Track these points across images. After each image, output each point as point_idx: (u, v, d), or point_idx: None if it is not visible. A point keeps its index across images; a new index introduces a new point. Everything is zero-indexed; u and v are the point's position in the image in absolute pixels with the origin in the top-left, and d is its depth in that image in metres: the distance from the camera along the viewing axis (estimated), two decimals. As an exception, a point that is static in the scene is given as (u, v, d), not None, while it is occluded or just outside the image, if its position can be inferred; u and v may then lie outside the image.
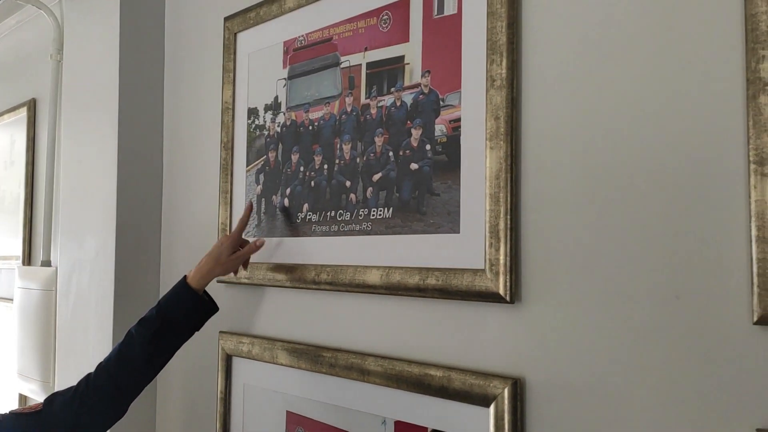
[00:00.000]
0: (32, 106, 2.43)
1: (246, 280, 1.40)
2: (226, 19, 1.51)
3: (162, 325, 1.21)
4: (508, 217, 0.95)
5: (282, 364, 1.30)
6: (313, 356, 1.24)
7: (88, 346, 1.73)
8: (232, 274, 1.38)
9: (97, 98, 1.76)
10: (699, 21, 0.80)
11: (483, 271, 0.97)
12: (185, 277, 1.27)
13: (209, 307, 1.29)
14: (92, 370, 1.21)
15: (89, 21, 1.83)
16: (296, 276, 1.28)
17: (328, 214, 1.24)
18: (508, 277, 0.94)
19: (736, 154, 0.76)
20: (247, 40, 1.46)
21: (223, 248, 1.27)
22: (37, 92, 2.44)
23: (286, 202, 1.34)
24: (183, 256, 1.66)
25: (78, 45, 1.89)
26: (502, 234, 0.95)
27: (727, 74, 0.77)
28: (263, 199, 1.39)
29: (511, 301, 0.94)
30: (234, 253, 1.29)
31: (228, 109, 1.49)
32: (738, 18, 0.77)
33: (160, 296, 1.72)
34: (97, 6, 1.79)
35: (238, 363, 1.43)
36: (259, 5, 1.41)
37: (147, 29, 1.74)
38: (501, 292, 0.95)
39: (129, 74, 1.70)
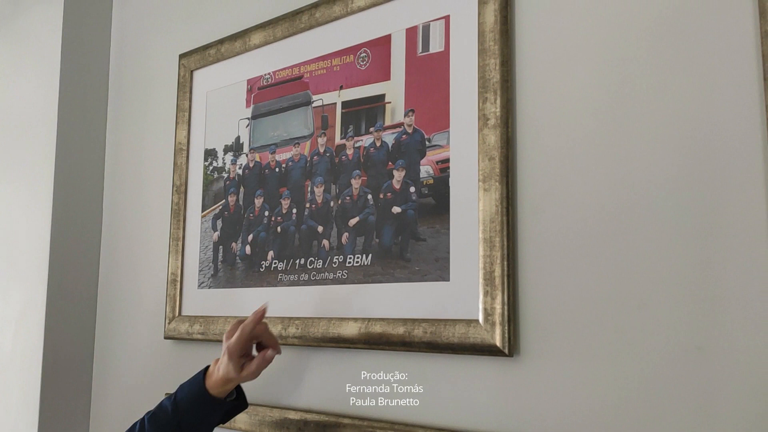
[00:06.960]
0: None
1: (198, 336, 1.27)
2: (182, 56, 1.42)
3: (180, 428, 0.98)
4: (506, 263, 0.89)
5: (240, 430, 1.17)
6: (278, 420, 1.12)
7: (8, 422, 1.52)
8: None
9: (29, 136, 1.61)
10: (709, 55, 0.78)
11: (477, 321, 0.90)
12: (205, 372, 1.01)
13: (238, 406, 1.05)
14: None
15: (20, 53, 1.69)
16: (259, 330, 1.17)
17: (297, 261, 1.15)
18: (506, 327, 0.88)
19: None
20: (205, 77, 1.37)
21: (230, 368, 0.98)
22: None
23: (248, 249, 1.23)
24: (126, 311, 1.50)
25: (5, 79, 1.74)
26: (498, 281, 0.89)
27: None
28: (221, 247, 1.28)
29: (510, 354, 0.87)
30: (243, 363, 1.00)
31: (182, 150, 1.38)
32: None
33: (95, 360, 1.55)
34: (31, 37, 1.65)
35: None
36: (220, 42, 1.33)
37: (90, 66, 1.62)
38: (498, 344, 0.88)
39: (68, 112, 1.56)
